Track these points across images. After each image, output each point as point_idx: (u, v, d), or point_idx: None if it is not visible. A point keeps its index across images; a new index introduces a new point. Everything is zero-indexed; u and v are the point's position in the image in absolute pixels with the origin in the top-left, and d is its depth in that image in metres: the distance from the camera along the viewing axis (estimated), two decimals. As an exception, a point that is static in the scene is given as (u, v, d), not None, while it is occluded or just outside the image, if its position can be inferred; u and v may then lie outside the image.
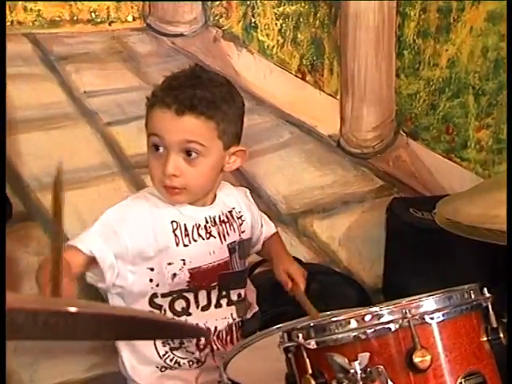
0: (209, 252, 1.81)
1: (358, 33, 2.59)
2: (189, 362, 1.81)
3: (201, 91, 1.71)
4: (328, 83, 2.59)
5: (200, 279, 1.79)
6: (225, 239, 1.84)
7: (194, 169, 1.72)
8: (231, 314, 1.83)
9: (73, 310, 1.19)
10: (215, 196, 1.84)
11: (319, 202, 2.63)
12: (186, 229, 1.79)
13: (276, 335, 1.73)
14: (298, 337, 1.33)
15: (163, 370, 1.81)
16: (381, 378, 1.23)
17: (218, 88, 1.75)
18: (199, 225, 1.81)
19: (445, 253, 2.36)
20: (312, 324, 1.35)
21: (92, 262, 1.69)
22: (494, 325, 1.33)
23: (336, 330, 1.30)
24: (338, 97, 2.61)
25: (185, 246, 1.77)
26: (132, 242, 1.72)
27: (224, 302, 1.83)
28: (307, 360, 1.31)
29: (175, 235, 1.77)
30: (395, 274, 2.58)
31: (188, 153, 1.71)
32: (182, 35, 2.44)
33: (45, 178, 2.32)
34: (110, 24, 2.35)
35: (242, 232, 1.89)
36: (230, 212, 1.88)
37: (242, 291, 1.88)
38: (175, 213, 1.78)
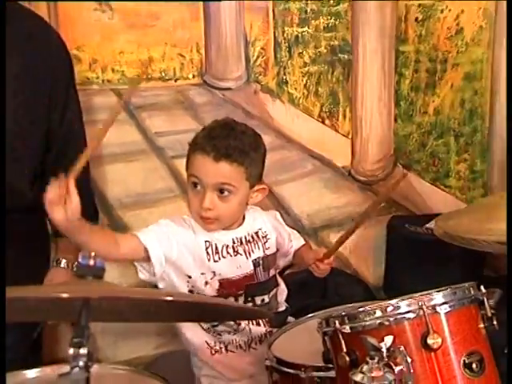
0: (236, 266, 1.77)
1: (365, 88, 2.60)
2: (226, 347, 1.80)
3: (234, 141, 1.69)
4: (342, 126, 2.59)
5: (228, 288, 1.76)
6: (250, 256, 1.80)
7: (226, 204, 1.71)
8: None
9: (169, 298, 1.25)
10: (243, 220, 1.81)
11: (334, 219, 2.62)
12: (216, 248, 1.75)
13: (308, 322, 1.77)
14: (334, 323, 1.33)
15: (214, 353, 1.81)
16: (401, 356, 1.23)
17: (247, 138, 1.73)
18: (227, 245, 1.77)
19: (432, 258, 2.39)
20: (344, 313, 1.34)
21: (145, 253, 1.68)
22: (489, 314, 1.33)
23: (365, 318, 1.30)
24: (350, 136, 2.61)
25: (215, 261, 1.74)
26: (177, 249, 1.72)
27: (250, 305, 1.80)
28: (342, 341, 1.31)
29: (207, 252, 1.74)
30: (393, 275, 2.59)
31: (221, 191, 1.69)
32: (229, 89, 2.44)
33: (124, 199, 2.36)
34: (175, 81, 2.36)
35: (267, 248, 1.84)
36: (256, 232, 1.83)
37: (266, 297, 1.84)
38: (208, 234, 1.75)
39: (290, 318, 1.88)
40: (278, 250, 1.88)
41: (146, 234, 1.70)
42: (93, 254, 1.27)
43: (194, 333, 1.80)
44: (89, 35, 2.24)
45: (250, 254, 1.80)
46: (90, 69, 2.26)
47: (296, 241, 1.98)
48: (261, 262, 1.81)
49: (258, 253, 1.81)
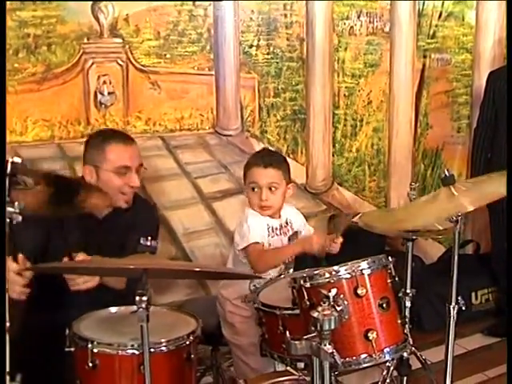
0: (280, 240, 1.73)
1: (314, 135, 2.59)
2: None
3: (273, 156, 1.72)
4: (300, 159, 2.57)
5: None
6: (285, 235, 1.75)
7: (274, 196, 1.68)
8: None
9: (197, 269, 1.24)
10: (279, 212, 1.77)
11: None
12: (272, 228, 1.70)
13: (281, 281, 1.68)
14: (300, 281, 1.32)
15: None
16: (341, 301, 1.22)
17: (279, 155, 1.79)
18: (276, 228, 1.72)
19: (355, 239, 2.36)
20: (305, 275, 1.32)
21: None
22: (394, 274, 1.34)
23: (318, 278, 1.30)
24: (305, 165, 2.59)
25: (272, 237, 1.71)
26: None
27: None
28: (305, 292, 1.31)
29: (268, 232, 1.69)
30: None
31: (270, 188, 1.67)
32: (231, 135, 2.42)
33: (166, 203, 2.30)
34: (197, 130, 2.33)
35: (292, 229, 1.77)
36: (286, 220, 1.76)
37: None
38: (266, 220, 1.70)
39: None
40: (296, 231, 1.78)
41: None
42: (149, 238, 1.26)
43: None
44: (146, 103, 2.23)
45: (285, 233, 1.75)
46: (146, 124, 2.24)
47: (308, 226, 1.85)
48: (290, 237, 1.76)
49: (288, 232, 1.76)
